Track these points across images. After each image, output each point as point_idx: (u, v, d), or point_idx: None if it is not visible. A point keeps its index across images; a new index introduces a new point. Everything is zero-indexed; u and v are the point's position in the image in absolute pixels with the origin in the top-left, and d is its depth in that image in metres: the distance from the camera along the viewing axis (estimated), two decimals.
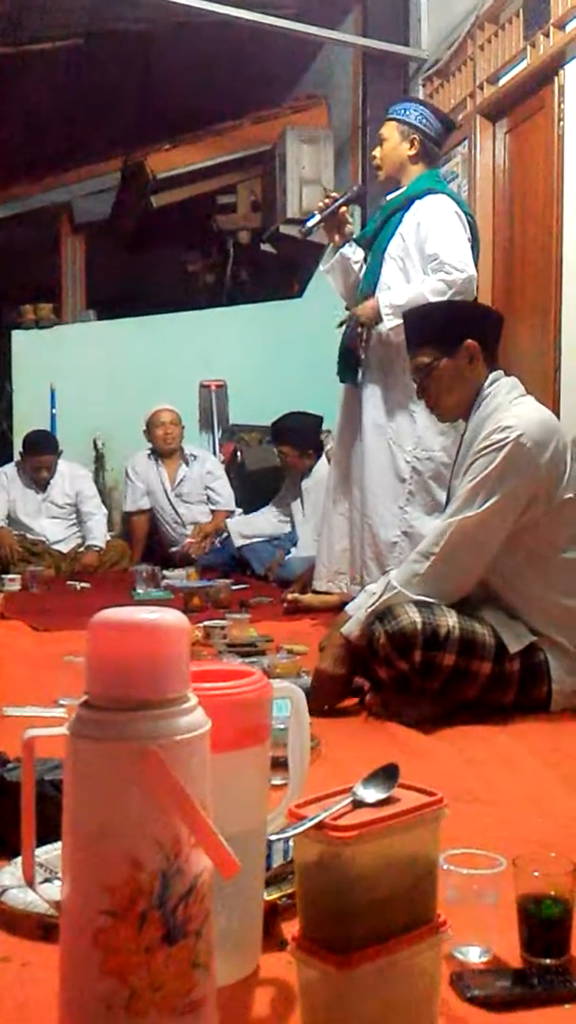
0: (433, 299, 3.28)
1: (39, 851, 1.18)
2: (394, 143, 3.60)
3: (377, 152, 3.67)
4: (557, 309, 4.23)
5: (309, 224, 3.56)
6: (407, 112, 3.62)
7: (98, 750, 0.93)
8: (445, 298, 3.30)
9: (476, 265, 3.56)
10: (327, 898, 0.97)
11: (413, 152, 3.58)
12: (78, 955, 0.93)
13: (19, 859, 1.27)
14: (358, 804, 1.01)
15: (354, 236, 3.74)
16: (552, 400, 4.07)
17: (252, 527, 5.43)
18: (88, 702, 0.95)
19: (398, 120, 3.60)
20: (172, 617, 1.01)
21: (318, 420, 5.15)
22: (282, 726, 1.30)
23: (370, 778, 1.05)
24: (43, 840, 1.12)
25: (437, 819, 1.03)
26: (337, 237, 3.65)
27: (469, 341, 2.56)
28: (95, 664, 0.96)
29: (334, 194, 3.62)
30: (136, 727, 0.93)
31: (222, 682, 1.15)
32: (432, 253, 3.37)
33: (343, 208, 3.55)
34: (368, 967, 0.96)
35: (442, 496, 3.25)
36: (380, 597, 2.41)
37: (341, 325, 3.68)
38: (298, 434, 5.07)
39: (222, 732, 1.03)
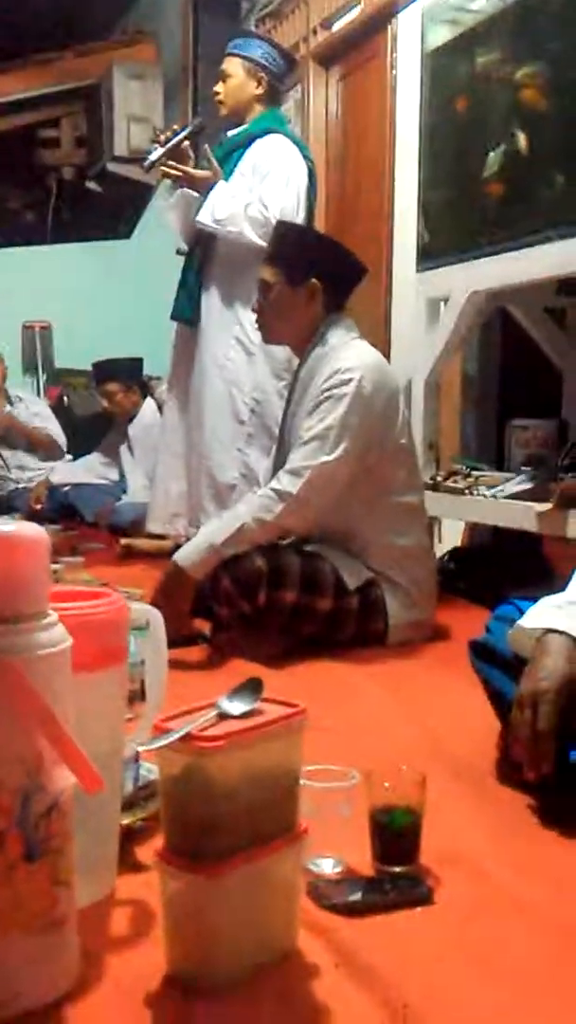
0: (248, 228, 3.28)
1: None
2: (239, 81, 3.52)
3: (220, 88, 3.56)
4: (388, 256, 4.29)
5: (152, 159, 3.43)
6: (252, 49, 3.53)
7: None
8: (258, 234, 3.27)
9: (313, 209, 3.55)
10: (193, 809, 0.97)
11: (260, 91, 3.52)
12: None
13: None
14: (223, 716, 1.01)
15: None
16: (383, 348, 4.14)
17: (76, 474, 5.33)
18: None
19: (242, 57, 3.51)
20: (31, 530, 0.97)
21: (139, 359, 5.14)
22: (132, 661, 1.28)
23: (235, 692, 1.05)
24: None
25: (300, 729, 1.04)
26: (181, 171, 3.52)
27: (314, 280, 2.57)
28: None
29: (175, 127, 3.51)
30: None
31: (79, 602, 1.12)
32: (259, 193, 3.33)
33: (185, 142, 3.45)
34: (234, 875, 0.97)
35: None
36: (227, 532, 2.39)
37: (180, 253, 3.61)
38: (122, 368, 5.06)
39: (81, 652, 1.00)
